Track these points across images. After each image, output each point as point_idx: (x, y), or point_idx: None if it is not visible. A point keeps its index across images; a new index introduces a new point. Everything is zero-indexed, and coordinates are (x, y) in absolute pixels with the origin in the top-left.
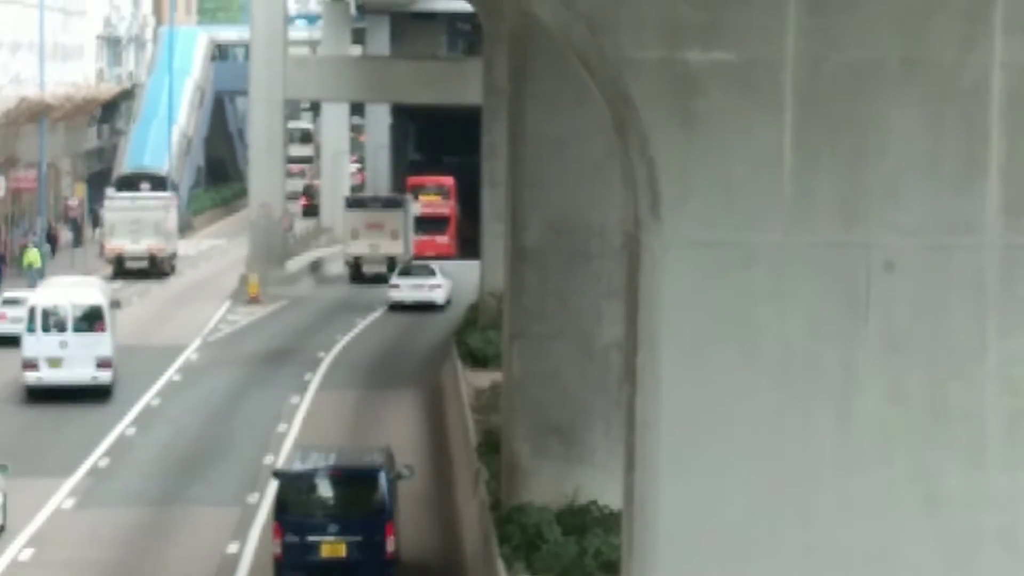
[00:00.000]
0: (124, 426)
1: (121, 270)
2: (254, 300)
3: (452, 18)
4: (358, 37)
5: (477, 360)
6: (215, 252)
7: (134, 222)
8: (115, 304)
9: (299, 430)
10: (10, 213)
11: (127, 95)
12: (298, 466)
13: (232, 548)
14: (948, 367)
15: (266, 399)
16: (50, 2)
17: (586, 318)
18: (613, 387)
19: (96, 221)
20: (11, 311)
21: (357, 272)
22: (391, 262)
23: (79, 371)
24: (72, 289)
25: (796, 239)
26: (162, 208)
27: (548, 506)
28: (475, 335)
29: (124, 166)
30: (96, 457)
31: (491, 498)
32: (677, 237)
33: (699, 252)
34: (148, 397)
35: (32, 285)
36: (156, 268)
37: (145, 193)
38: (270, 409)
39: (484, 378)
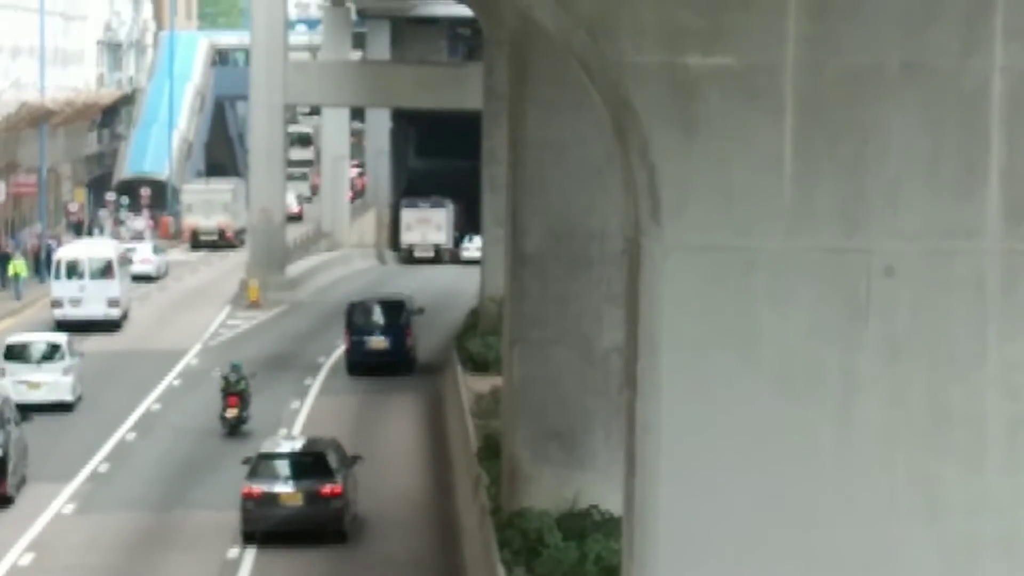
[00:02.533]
0: (124, 431)
1: (197, 242)
2: (254, 305)
3: (452, 23)
4: (358, 42)
5: (477, 365)
6: (215, 257)
7: (206, 203)
8: (125, 260)
9: (300, 432)
10: (11, 218)
11: (127, 100)
12: (358, 299)
13: (232, 553)
14: (949, 372)
15: (266, 404)
16: (51, 7)
17: (586, 323)
18: (614, 392)
19: (93, 223)
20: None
21: (410, 256)
22: (436, 248)
23: (94, 308)
24: (89, 247)
25: (797, 244)
26: (230, 191)
27: (548, 511)
28: (475, 340)
29: (124, 171)
30: (96, 462)
31: (491, 503)
32: (678, 242)
33: (699, 257)
34: (148, 402)
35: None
36: (224, 240)
37: (216, 179)
38: (271, 414)
39: (484, 383)
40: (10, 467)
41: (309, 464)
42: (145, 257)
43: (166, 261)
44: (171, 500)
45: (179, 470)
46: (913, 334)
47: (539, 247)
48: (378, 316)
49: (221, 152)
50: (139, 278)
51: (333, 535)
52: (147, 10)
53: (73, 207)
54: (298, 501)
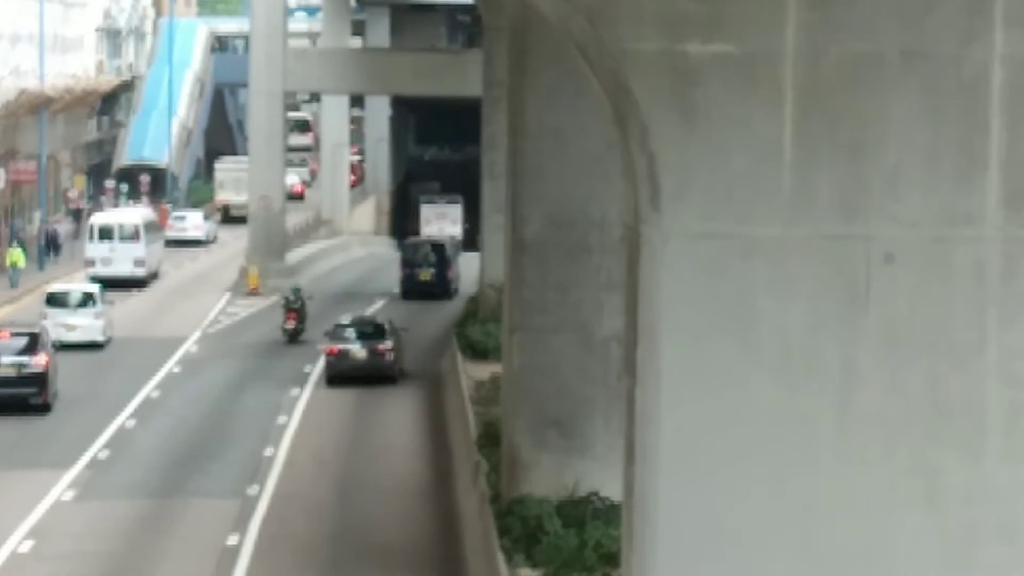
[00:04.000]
0: (124, 418)
1: (227, 217)
2: (254, 292)
3: (452, 10)
4: (358, 29)
5: (477, 352)
6: (215, 244)
7: (237, 180)
8: (153, 226)
9: (299, 422)
10: (10, 205)
11: (127, 87)
12: (411, 240)
13: (232, 540)
14: (948, 360)
15: (266, 391)
16: None
17: (586, 311)
18: (613, 380)
19: (93, 210)
20: (178, 223)
21: None
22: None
23: (122, 267)
24: (119, 214)
25: (796, 231)
26: None
27: (548, 498)
28: (475, 327)
29: (124, 158)
30: (96, 449)
31: (491, 490)
32: (677, 229)
33: (699, 244)
34: (148, 389)
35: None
36: None
37: (246, 157)
38: (270, 401)
39: (484, 370)
40: (48, 382)
41: (370, 331)
42: (196, 223)
43: (215, 227)
44: (170, 487)
45: (179, 458)
46: (913, 321)
47: (539, 235)
48: (426, 254)
49: (221, 139)
50: (192, 242)
51: (386, 380)
52: None
53: (72, 194)
54: (363, 356)
